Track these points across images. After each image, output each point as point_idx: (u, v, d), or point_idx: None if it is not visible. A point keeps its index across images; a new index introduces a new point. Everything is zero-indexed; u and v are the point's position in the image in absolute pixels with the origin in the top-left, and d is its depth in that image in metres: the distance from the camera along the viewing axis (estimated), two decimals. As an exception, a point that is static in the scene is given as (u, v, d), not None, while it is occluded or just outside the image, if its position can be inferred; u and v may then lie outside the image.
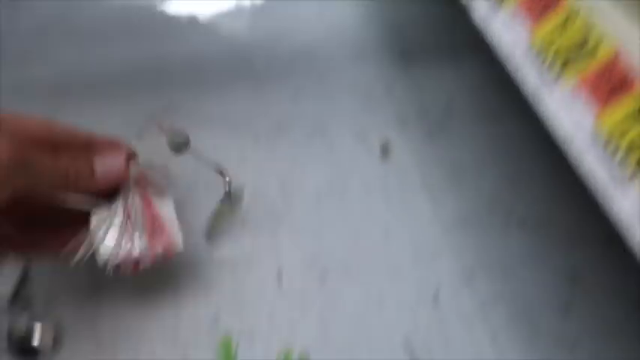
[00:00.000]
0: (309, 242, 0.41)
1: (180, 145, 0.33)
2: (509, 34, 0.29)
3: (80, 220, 0.31)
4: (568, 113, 0.25)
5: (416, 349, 0.37)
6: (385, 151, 0.46)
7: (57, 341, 0.34)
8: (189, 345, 0.36)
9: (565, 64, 0.25)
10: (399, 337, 0.37)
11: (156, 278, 0.37)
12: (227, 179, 0.35)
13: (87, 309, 0.37)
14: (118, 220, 0.31)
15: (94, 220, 0.31)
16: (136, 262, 0.31)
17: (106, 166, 0.32)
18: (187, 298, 0.38)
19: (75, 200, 0.30)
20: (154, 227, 0.31)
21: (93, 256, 0.31)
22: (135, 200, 0.31)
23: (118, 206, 0.31)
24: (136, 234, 0.31)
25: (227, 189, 0.35)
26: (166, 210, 0.33)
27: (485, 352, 0.37)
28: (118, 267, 0.31)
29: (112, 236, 0.30)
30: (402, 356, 0.37)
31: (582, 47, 0.25)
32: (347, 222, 0.43)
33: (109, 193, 0.32)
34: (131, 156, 0.32)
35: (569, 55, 0.25)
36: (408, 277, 0.40)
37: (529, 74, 0.27)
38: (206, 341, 0.36)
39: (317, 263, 0.40)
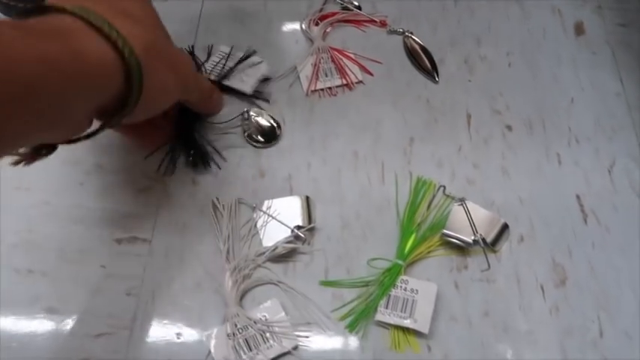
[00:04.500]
0: (496, 97, 0.49)
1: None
2: None
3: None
4: None
5: (585, 206, 0.44)
6: (579, 29, 0.52)
7: (280, 131, 0.46)
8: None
9: None
10: (572, 193, 0.44)
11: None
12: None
13: (302, 114, 0.47)
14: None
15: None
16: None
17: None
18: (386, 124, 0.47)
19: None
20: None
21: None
22: None
23: None
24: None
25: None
26: None
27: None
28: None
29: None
30: (574, 206, 0.44)
31: None
32: (534, 86, 0.49)
33: None
34: None
35: None
36: (587, 145, 0.47)
37: None
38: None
39: (503, 117, 0.48)
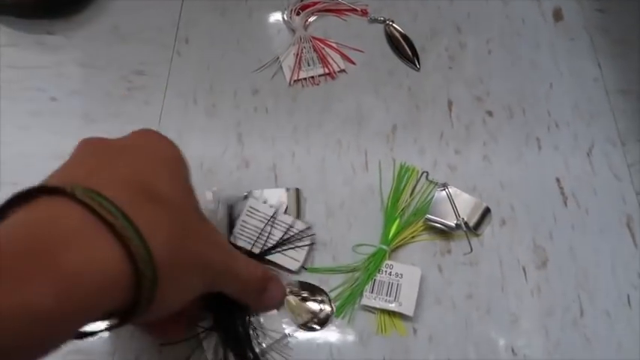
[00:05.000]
0: (477, 84, 0.49)
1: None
2: None
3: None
4: None
5: (565, 188, 0.45)
6: (557, 15, 0.53)
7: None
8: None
9: None
10: (552, 177, 0.45)
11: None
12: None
13: (286, 104, 0.46)
14: None
15: None
16: None
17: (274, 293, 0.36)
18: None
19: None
20: None
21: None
22: None
23: None
24: None
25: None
26: None
27: (630, 205, 0.44)
28: None
29: None
30: (554, 190, 0.44)
31: None
32: (514, 72, 0.50)
33: None
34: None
35: None
36: (566, 130, 0.47)
37: None
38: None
39: (484, 103, 0.48)
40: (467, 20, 0.53)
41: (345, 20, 0.53)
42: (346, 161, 0.45)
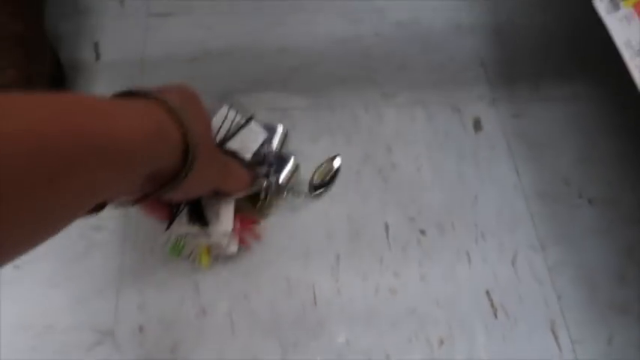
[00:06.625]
0: (409, 204, 0.54)
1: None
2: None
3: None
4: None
5: (495, 300, 0.49)
6: (477, 125, 0.59)
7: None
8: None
9: None
10: (482, 290, 0.50)
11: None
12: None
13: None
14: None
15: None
16: None
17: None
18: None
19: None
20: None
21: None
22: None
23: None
24: None
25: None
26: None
27: (552, 309, 0.50)
28: None
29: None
30: (484, 303, 0.50)
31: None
32: (441, 187, 0.55)
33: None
34: None
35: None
36: (492, 240, 0.53)
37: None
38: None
39: (417, 223, 0.53)
40: (396, 138, 0.58)
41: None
42: (296, 299, 0.49)
